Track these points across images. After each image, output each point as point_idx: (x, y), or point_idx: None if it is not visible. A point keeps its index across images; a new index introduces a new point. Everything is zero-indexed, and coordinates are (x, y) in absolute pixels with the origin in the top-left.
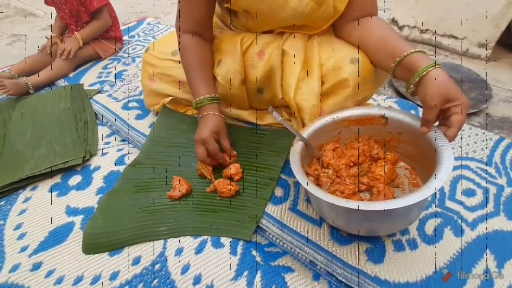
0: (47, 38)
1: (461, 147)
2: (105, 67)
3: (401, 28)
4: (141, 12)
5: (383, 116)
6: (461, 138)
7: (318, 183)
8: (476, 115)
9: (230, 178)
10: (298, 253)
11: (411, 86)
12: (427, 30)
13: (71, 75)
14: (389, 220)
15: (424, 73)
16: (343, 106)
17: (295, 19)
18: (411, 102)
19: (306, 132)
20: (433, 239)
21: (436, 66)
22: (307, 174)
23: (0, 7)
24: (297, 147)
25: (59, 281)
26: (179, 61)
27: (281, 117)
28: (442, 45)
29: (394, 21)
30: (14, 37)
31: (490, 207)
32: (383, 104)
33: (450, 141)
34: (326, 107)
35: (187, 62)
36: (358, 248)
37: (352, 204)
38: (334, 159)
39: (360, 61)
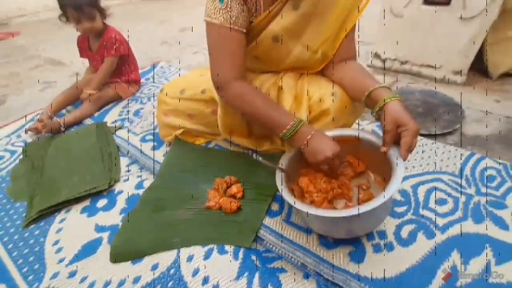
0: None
1: (435, 163)
2: (125, 107)
3: (384, 60)
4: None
5: (357, 137)
6: (436, 155)
7: (303, 195)
8: (451, 134)
9: (233, 196)
10: (291, 257)
11: (374, 114)
12: (407, 61)
13: (96, 114)
14: (359, 222)
15: (383, 104)
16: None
17: (296, 64)
18: None
19: (287, 156)
20: (407, 241)
21: (393, 98)
22: (292, 189)
23: (33, 58)
24: (282, 164)
25: (91, 285)
26: (187, 98)
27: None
28: (422, 74)
29: (377, 55)
30: (45, 83)
31: (459, 213)
32: (367, 128)
33: (403, 159)
34: None
35: (258, 104)
36: (342, 252)
37: (339, 212)
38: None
39: (338, 94)
